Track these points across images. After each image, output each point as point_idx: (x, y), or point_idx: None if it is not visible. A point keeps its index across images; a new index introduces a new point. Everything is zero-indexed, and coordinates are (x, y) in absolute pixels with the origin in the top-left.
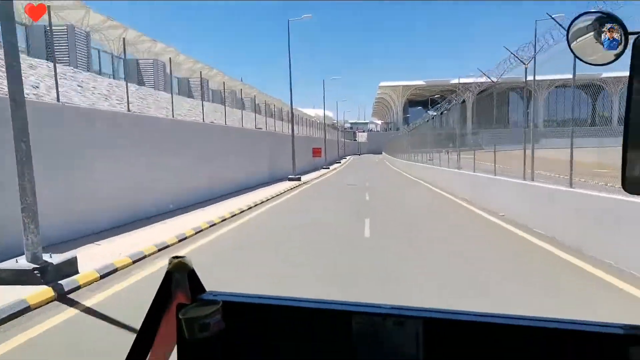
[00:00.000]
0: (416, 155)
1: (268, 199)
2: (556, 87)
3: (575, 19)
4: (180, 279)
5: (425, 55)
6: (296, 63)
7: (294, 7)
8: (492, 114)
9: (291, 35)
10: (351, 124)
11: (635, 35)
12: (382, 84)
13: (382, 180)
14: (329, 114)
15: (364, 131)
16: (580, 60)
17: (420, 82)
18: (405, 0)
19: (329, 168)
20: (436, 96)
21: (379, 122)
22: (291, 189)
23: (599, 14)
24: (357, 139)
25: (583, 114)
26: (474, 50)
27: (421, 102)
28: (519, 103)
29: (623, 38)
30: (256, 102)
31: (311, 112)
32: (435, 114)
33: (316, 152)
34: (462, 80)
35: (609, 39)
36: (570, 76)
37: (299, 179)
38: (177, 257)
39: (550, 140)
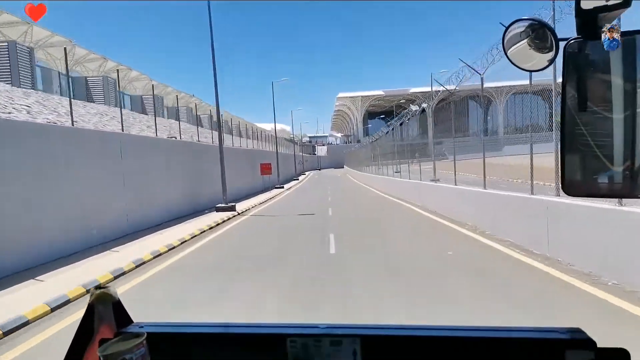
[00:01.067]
0: (380, 168)
1: (141, 264)
2: (514, 93)
3: (509, 26)
4: (103, 312)
5: (385, 64)
6: (248, 75)
7: (243, 8)
8: (452, 122)
9: (242, 43)
10: (310, 137)
11: (566, 41)
12: (341, 95)
13: (348, 202)
14: (285, 127)
15: (323, 144)
16: (516, 66)
17: (379, 92)
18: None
19: (282, 187)
20: (394, 106)
21: (339, 134)
22: (204, 231)
23: (530, 21)
24: (316, 152)
25: (541, 120)
26: (435, 56)
27: (381, 113)
28: (479, 110)
29: (554, 44)
30: (200, 115)
31: (266, 126)
32: (395, 124)
33: (265, 168)
34: (421, 90)
35: (609, 39)
36: (526, 82)
37: (232, 208)
38: (99, 287)
39: (511, 147)
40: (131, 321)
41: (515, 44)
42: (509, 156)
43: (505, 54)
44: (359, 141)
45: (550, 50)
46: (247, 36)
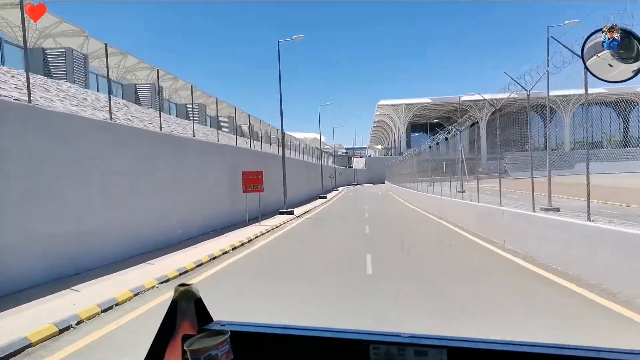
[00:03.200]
0: (430, 185)
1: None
2: (581, 104)
3: (590, 36)
4: (186, 308)
5: (427, 76)
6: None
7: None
8: (510, 135)
9: (283, 58)
10: (347, 149)
11: None
12: (382, 102)
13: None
14: (322, 138)
15: (361, 156)
16: (597, 78)
17: (426, 100)
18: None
19: (292, 213)
20: (438, 120)
21: (379, 147)
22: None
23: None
24: (352, 165)
25: (614, 132)
26: (485, 67)
27: (424, 126)
28: (539, 122)
29: None
30: (249, 128)
31: (300, 135)
32: (446, 136)
33: (249, 182)
34: (473, 98)
35: (608, 38)
36: (600, 90)
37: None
38: (183, 284)
39: (584, 165)
40: (211, 319)
41: (596, 53)
42: (592, 175)
43: (584, 64)
44: (400, 154)
45: (636, 60)
46: (291, 55)
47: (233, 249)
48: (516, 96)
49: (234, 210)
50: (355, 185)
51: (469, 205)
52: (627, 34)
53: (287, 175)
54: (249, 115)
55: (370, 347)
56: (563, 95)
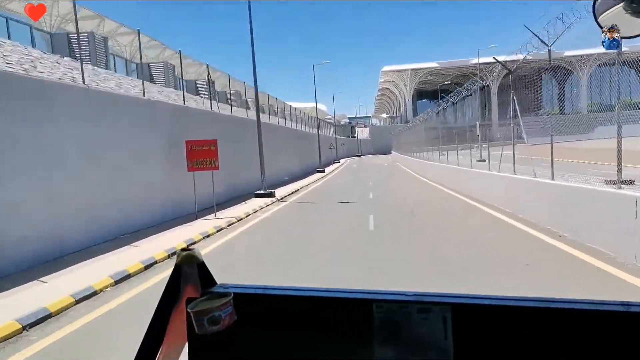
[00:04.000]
0: (443, 154)
1: None
2: (600, 65)
3: None
4: (189, 272)
5: (434, 40)
6: (285, 52)
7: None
8: (523, 99)
9: (280, 20)
10: (350, 119)
11: None
12: (386, 68)
13: None
14: (321, 107)
15: (365, 126)
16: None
17: (433, 65)
18: None
19: (272, 195)
20: (448, 83)
21: (384, 115)
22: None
23: None
24: (356, 135)
25: (635, 96)
26: (494, 29)
27: (431, 93)
28: (553, 86)
29: None
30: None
31: (300, 105)
32: (454, 100)
33: (197, 155)
34: (483, 61)
35: (609, 39)
36: (624, 49)
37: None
38: (185, 249)
39: (605, 128)
40: (215, 282)
41: (609, 9)
42: (611, 139)
43: (596, 19)
44: (407, 122)
45: None
46: (286, 14)
47: (116, 282)
48: (530, 57)
49: (176, 197)
50: (359, 156)
51: (531, 183)
52: None
53: (271, 147)
54: (207, 68)
55: (374, 305)
56: (580, 55)
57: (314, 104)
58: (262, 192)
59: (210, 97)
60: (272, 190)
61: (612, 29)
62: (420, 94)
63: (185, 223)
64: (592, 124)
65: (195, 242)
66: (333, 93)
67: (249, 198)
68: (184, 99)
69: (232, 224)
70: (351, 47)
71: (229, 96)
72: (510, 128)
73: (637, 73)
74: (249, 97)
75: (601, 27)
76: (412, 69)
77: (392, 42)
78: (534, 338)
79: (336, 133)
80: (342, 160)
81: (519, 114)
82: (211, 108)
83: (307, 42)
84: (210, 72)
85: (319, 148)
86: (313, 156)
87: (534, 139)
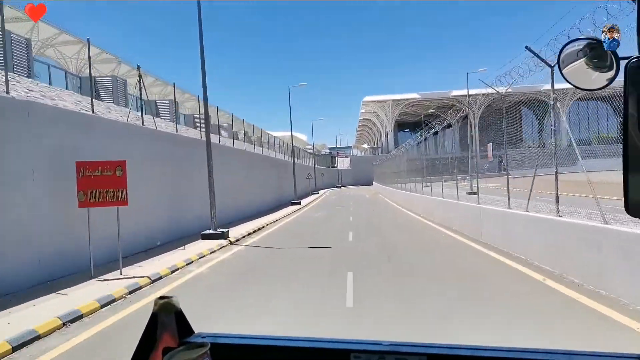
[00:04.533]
0: (427, 186)
1: None
2: (578, 100)
3: (566, 45)
4: (166, 321)
5: (416, 70)
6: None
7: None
8: (503, 132)
9: (258, 43)
10: (330, 149)
11: (627, 60)
12: (367, 98)
13: None
14: (301, 136)
15: (346, 156)
16: (573, 85)
17: (414, 95)
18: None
19: (225, 237)
20: (431, 112)
21: (365, 146)
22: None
23: (588, 40)
24: (336, 165)
25: (612, 130)
26: (474, 61)
27: (412, 125)
28: (532, 119)
29: (615, 63)
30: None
31: (278, 134)
32: (438, 127)
33: (95, 183)
34: (464, 93)
35: (609, 38)
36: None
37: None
38: (163, 297)
39: (588, 162)
40: (192, 331)
41: (572, 62)
42: (595, 172)
43: (561, 73)
44: (388, 152)
45: (610, 69)
46: (264, 36)
47: None
48: (510, 90)
49: (65, 246)
50: (340, 187)
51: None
52: (599, 43)
53: (234, 174)
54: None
55: (351, 356)
56: (559, 89)
57: (295, 134)
58: (211, 232)
59: (143, 109)
60: (225, 230)
61: (612, 29)
62: (401, 125)
63: (59, 290)
64: (574, 157)
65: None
66: (312, 120)
67: (196, 239)
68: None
69: (134, 291)
70: (332, 77)
71: (196, 120)
72: (489, 161)
73: (612, 108)
74: (221, 122)
75: (566, 80)
76: (393, 100)
77: (374, 73)
78: None
79: (315, 162)
80: (321, 192)
81: (505, 146)
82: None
83: (287, 72)
84: (176, 92)
85: (294, 177)
86: (290, 187)
87: (516, 171)
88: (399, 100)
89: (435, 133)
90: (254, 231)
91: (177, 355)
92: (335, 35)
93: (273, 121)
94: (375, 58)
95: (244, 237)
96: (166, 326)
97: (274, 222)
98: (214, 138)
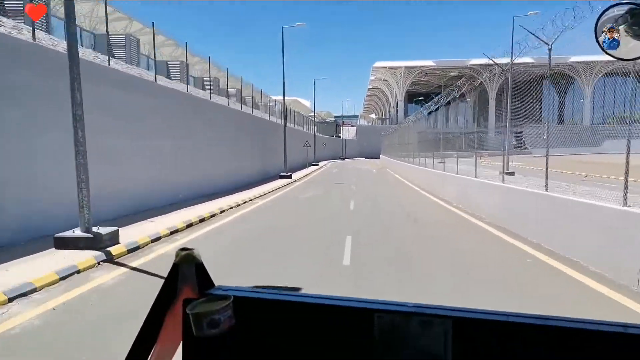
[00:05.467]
0: (442, 161)
1: None
2: (605, 74)
3: (605, 11)
4: (187, 273)
5: (430, 40)
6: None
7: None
8: (525, 107)
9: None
10: (335, 117)
11: None
12: (378, 64)
13: None
14: (305, 102)
15: (352, 125)
16: (610, 55)
17: (429, 63)
18: None
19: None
20: (444, 83)
21: (373, 116)
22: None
23: (630, 5)
24: (340, 134)
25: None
26: (487, 33)
27: (424, 97)
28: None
29: None
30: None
31: (279, 98)
32: (454, 96)
33: None
34: (483, 62)
35: (608, 39)
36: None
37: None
38: (184, 249)
39: (614, 142)
40: (213, 284)
41: (609, 29)
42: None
43: (597, 40)
44: (397, 124)
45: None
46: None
47: None
48: (531, 60)
49: None
50: (343, 159)
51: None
52: None
53: (198, 135)
54: None
55: (374, 316)
56: (585, 62)
57: (295, 98)
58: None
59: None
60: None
61: (612, 29)
62: (411, 97)
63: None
64: (600, 136)
65: None
66: (314, 79)
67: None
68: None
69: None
70: (342, 45)
71: (205, 82)
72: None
73: None
74: (230, 87)
75: (602, 48)
76: (405, 67)
77: (386, 41)
78: (534, 356)
79: (315, 129)
80: (321, 164)
81: (548, 123)
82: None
83: (296, 39)
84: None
85: (285, 145)
86: (281, 155)
87: (537, 149)
88: (412, 67)
89: (451, 101)
90: (165, 235)
91: (200, 305)
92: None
93: (277, 84)
94: (388, 26)
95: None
96: (187, 278)
97: (236, 206)
98: (222, 101)
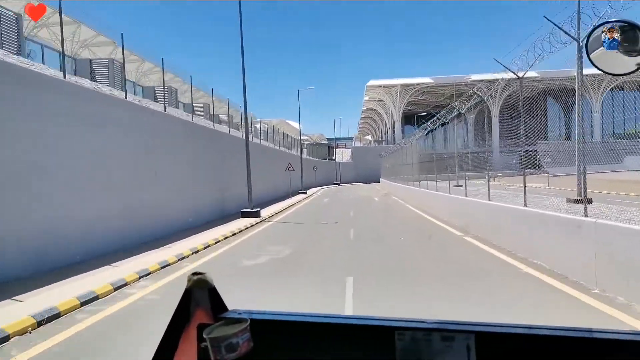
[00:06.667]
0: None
1: None
2: (612, 89)
3: (595, 28)
4: (200, 297)
5: (424, 60)
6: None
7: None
8: (531, 124)
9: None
10: (329, 139)
11: None
12: (372, 83)
13: None
14: (295, 124)
15: (346, 147)
16: (601, 70)
17: (427, 80)
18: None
19: None
20: (442, 103)
21: (369, 138)
22: None
23: (620, 23)
24: (334, 157)
25: None
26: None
27: (421, 118)
28: (558, 111)
29: None
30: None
31: (273, 121)
32: (459, 111)
33: None
34: (484, 77)
35: (608, 39)
36: None
37: None
38: (196, 273)
39: (636, 159)
40: (226, 308)
41: (600, 47)
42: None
43: (589, 57)
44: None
45: None
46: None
47: None
48: (535, 75)
49: None
50: (338, 184)
51: None
52: (631, 26)
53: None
54: None
55: (395, 333)
56: (593, 75)
57: (283, 119)
58: None
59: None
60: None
61: (612, 29)
62: (408, 118)
63: None
64: (620, 152)
65: None
66: (298, 90)
67: None
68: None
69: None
70: (333, 66)
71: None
72: (509, 156)
73: None
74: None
75: (593, 64)
76: (402, 84)
77: (380, 61)
78: None
79: (304, 151)
80: (312, 190)
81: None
82: None
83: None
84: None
85: (248, 169)
86: (272, 180)
87: (556, 168)
88: (408, 85)
89: (454, 118)
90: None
91: (217, 329)
92: (336, 24)
93: (266, 107)
94: (381, 45)
95: None
96: (200, 302)
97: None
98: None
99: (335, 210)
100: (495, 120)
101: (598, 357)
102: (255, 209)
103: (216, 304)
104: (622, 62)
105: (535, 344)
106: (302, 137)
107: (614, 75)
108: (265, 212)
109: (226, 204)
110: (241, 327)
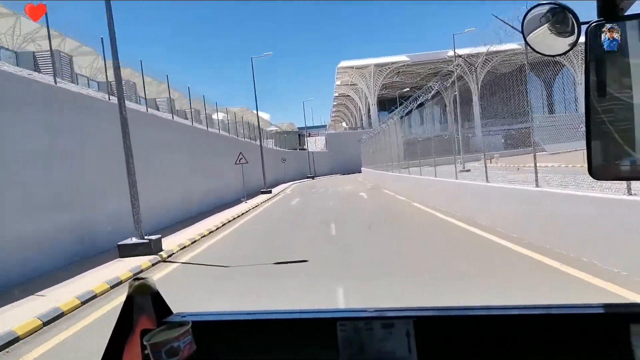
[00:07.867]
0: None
1: None
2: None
3: (529, 11)
4: (143, 303)
5: (399, 37)
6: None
7: None
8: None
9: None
10: (299, 128)
11: (587, 24)
12: (343, 64)
13: None
14: (264, 115)
15: (319, 135)
16: (536, 52)
17: (402, 58)
18: None
19: None
20: (419, 84)
21: (343, 125)
22: None
23: (550, 5)
24: (306, 147)
25: None
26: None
27: (397, 101)
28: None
29: (576, 28)
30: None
31: (236, 109)
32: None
33: None
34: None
35: (608, 39)
36: None
37: None
38: (138, 279)
39: None
40: (171, 312)
41: (535, 29)
42: None
43: (525, 39)
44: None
45: (571, 34)
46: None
47: None
48: (516, 46)
49: None
50: (312, 178)
51: None
52: (561, 7)
53: None
54: None
55: (337, 324)
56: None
57: (245, 107)
58: None
59: None
60: None
61: (612, 29)
62: (382, 103)
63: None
64: None
65: None
66: (252, 57)
67: None
68: None
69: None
70: (302, 49)
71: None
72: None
73: None
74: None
75: (529, 46)
76: (375, 64)
77: (351, 40)
78: (498, 346)
79: (261, 134)
80: (280, 187)
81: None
82: None
83: (252, 48)
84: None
85: (130, 167)
86: (220, 180)
87: (554, 145)
88: (383, 64)
89: (434, 97)
90: None
91: (157, 335)
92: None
93: (235, 96)
94: (351, 24)
95: None
96: (142, 308)
97: None
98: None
99: (306, 222)
100: (475, 99)
101: (527, 331)
102: (150, 238)
103: (160, 308)
104: (556, 43)
105: (472, 324)
106: (270, 128)
107: (549, 56)
108: (173, 241)
109: (94, 232)
110: (182, 331)
